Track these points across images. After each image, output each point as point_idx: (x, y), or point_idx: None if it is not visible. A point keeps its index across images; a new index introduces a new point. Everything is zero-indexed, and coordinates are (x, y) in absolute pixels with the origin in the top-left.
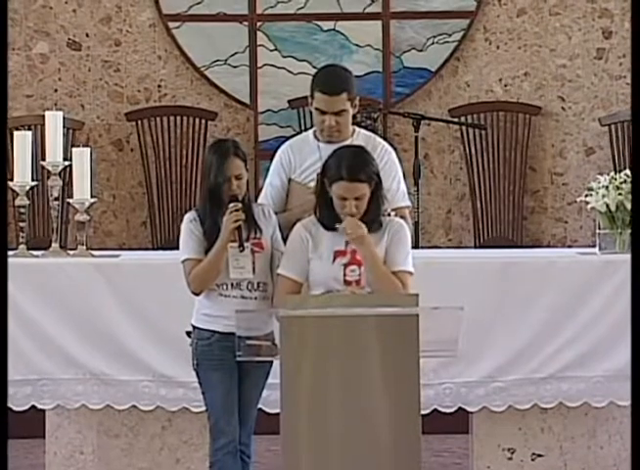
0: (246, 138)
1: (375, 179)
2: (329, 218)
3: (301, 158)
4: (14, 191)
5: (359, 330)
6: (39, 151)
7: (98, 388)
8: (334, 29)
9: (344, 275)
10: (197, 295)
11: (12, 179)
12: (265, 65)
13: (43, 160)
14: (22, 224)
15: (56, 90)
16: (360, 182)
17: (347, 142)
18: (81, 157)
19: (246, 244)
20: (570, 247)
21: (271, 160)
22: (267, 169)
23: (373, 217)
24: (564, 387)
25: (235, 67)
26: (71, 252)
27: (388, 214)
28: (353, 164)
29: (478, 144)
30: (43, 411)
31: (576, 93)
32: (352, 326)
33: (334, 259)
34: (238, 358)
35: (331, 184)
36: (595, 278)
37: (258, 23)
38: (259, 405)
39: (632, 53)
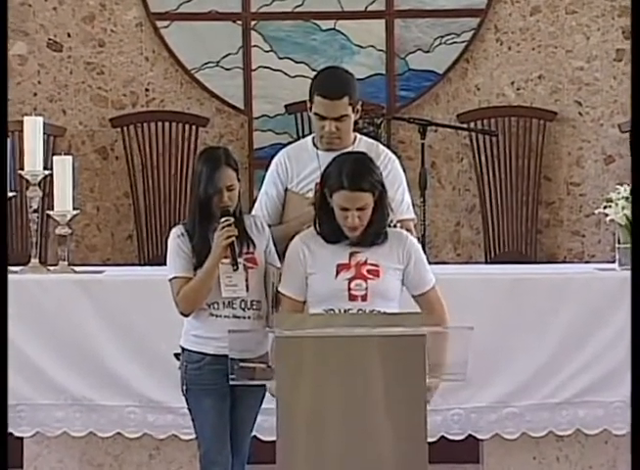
0: (239, 145)
1: (379, 188)
2: (330, 231)
3: (299, 166)
4: None
5: (361, 352)
6: (17, 159)
7: (80, 414)
8: (334, 29)
9: (349, 290)
10: (186, 316)
11: None
12: (260, 67)
13: (22, 169)
14: None
15: (35, 94)
16: (363, 191)
17: (349, 150)
18: (63, 165)
19: (239, 260)
20: (587, 262)
21: (266, 169)
22: (262, 179)
23: (377, 229)
24: (581, 413)
25: (228, 69)
26: (52, 268)
27: (394, 226)
28: (355, 173)
29: (488, 152)
30: (21, 439)
31: (594, 97)
32: (354, 347)
33: (337, 274)
34: (231, 382)
35: (331, 194)
36: (615, 296)
37: (253, 23)
38: (254, 433)
39: (632, 53)
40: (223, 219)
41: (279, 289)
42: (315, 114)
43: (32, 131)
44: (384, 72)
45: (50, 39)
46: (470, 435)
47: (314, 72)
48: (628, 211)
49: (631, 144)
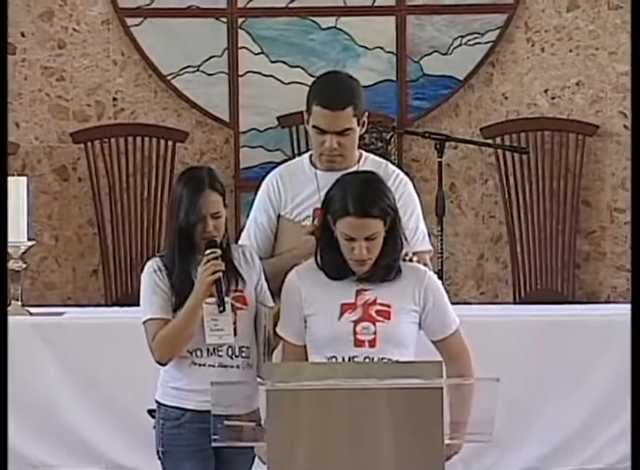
0: (224, 164)
1: (391, 214)
2: (333, 265)
3: (294, 189)
4: None
5: (368, 407)
6: None
7: None
8: (335, 27)
9: (355, 334)
10: (163, 365)
11: None
12: (249, 72)
13: None
14: None
15: None
16: (372, 218)
17: (353, 170)
18: (16, 188)
19: (226, 299)
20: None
21: (256, 192)
22: (251, 204)
23: (389, 263)
24: None
25: (210, 74)
26: None
27: (410, 260)
28: (363, 196)
29: (517, 172)
30: None
31: None
32: (359, 402)
33: (340, 315)
34: (213, 443)
35: (335, 221)
36: None
37: (240, 20)
38: None
39: (632, 54)
40: (208, 251)
41: (277, 331)
42: (314, 127)
43: None
44: (394, 78)
45: None
46: None
47: (312, 78)
48: None
49: (632, 144)
